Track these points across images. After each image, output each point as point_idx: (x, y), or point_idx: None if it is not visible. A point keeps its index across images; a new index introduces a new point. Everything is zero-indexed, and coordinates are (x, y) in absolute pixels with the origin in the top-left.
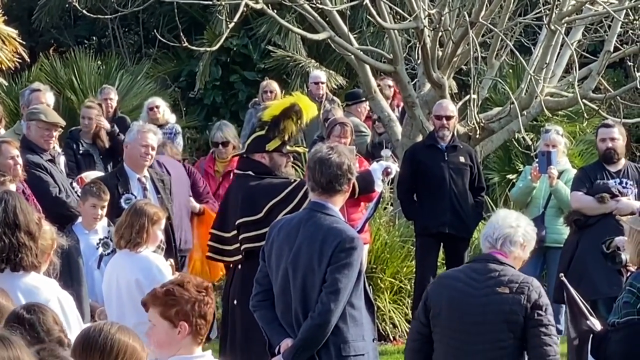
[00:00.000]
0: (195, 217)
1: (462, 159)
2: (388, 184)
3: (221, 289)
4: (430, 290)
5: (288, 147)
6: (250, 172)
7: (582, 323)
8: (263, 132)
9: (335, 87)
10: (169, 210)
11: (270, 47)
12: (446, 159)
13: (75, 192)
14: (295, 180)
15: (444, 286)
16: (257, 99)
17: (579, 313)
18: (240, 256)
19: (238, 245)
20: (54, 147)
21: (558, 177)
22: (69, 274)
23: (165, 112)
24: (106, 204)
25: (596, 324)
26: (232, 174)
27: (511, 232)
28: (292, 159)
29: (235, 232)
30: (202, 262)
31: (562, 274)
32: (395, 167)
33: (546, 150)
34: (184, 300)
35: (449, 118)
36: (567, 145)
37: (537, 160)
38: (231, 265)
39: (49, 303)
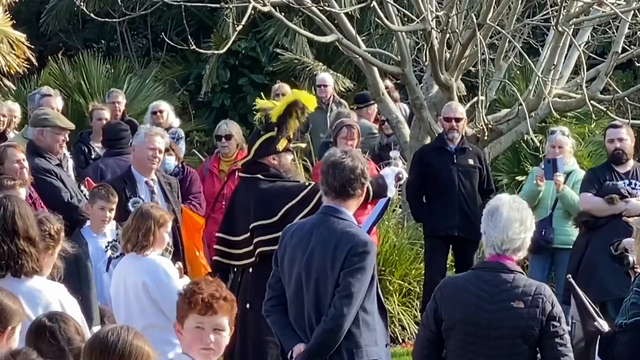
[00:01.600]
0: None
1: (471, 161)
2: (396, 187)
3: None
4: (440, 300)
5: (292, 145)
6: (259, 175)
7: (590, 324)
8: (273, 134)
9: (343, 90)
10: (176, 213)
11: (279, 50)
12: (455, 161)
13: (85, 196)
14: (310, 183)
15: (456, 299)
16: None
17: (587, 315)
18: (250, 260)
19: (249, 248)
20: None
21: (566, 179)
22: (78, 277)
23: (169, 116)
24: (114, 206)
25: (604, 325)
26: (236, 176)
27: (520, 243)
28: (294, 154)
29: (245, 235)
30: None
31: (569, 275)
32: (406, 173)
33: (552, 157)
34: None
35: (458, 120)
36: (574, 145)
37: (542, 165)
38: (235, 269)
39: (50, 306)
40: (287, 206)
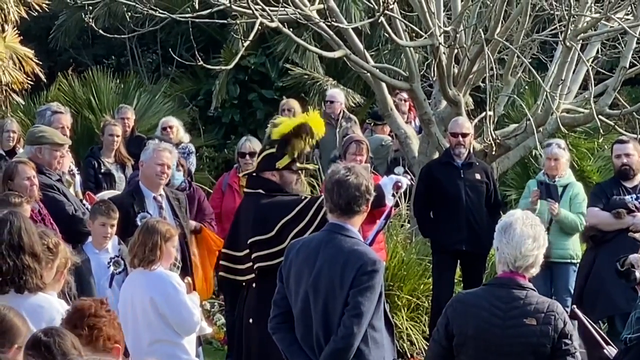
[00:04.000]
0: (193, 236)
1: (478, 176)
2: (405, 201)
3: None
4: (452, 316)
5: (298, 165)
6: (260, 190)
7: (600, 352)
8: (273, 150)
9: (353, 105)
10: (184, 229)
11: (288, 66)
12: (462, 176)
13: (87, 209)
14: (305, 198)
15: (468, 315)
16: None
17: (594, 343)
18: (252, 275)
19: (251, 264)
20: (70, 167)
21: (562, 192)
22: (81, 293)
23: (179, 132)
24: (115, 222)
25: (611, 352)
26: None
27: (533, 260)
28: (302, 176)
29: (247, 251)
30: (202, 280)
31: (574, 306)
32: (406, 181)
33: (545, 181)
34: (105, 325)
35: (464, 135)
36: (569, 157)
37: (538, 179)
38: (244, 284)
39: (53, 322)
40: (282, 221)
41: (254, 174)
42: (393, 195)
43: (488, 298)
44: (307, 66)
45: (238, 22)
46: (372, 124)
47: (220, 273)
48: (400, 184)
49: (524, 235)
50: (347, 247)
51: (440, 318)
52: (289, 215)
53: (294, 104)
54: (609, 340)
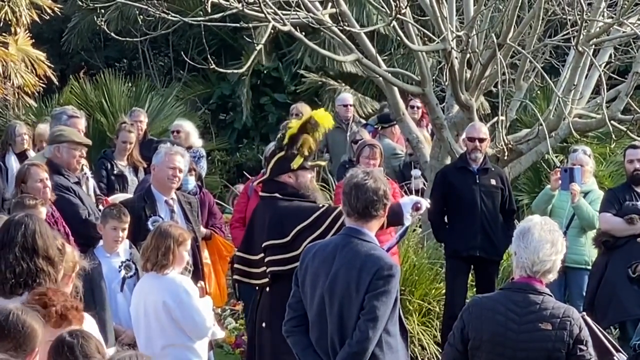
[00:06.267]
0: (203, 242)
1: (493, 182)
2: (413, 216)
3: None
4: (468, 319)
5: (310, 162)
6: (276, 194)
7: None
8: (283, 153)
9: (372, 112)
10: (196, 232)
11: (302, 71)
12: (477, 181)
13: None
14: (323, 206)
15: (484, 319)
16: (287, 122)
17: (604, 351)
18: (266, 279)
19: (265, 268)
20: (82, 170)
21: (583, 198)
22: (92, 297)
23: (190, 136)
24: (127, 226)
25: (621, 358)
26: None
27: (551, 265)
28: (315, 172)
29: (262, 255)
30: (215, 286)
31: (584, 313)
32: (425, 204)
33: (570, 167)
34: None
35: (481, 140)
36: (594, 166)
37: (559, 174)
38: (257, 288)
39: None
40: (298, 227)
41: (269, 179)
42: (411, 215)
43: (504, 302)
44: (334, 69)
45: (250, 25)
46: (379, 127)
47: (235, 277)
48: (419, 205)
49: (542, 240)
50: (363, 252)
51: (456, 322)
52: (306, 222)
53: (303, 108)
54: (619, 347)
